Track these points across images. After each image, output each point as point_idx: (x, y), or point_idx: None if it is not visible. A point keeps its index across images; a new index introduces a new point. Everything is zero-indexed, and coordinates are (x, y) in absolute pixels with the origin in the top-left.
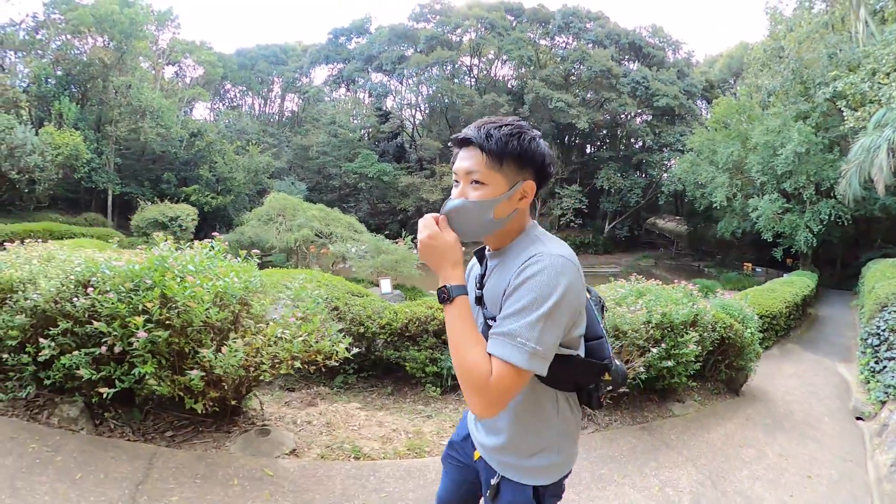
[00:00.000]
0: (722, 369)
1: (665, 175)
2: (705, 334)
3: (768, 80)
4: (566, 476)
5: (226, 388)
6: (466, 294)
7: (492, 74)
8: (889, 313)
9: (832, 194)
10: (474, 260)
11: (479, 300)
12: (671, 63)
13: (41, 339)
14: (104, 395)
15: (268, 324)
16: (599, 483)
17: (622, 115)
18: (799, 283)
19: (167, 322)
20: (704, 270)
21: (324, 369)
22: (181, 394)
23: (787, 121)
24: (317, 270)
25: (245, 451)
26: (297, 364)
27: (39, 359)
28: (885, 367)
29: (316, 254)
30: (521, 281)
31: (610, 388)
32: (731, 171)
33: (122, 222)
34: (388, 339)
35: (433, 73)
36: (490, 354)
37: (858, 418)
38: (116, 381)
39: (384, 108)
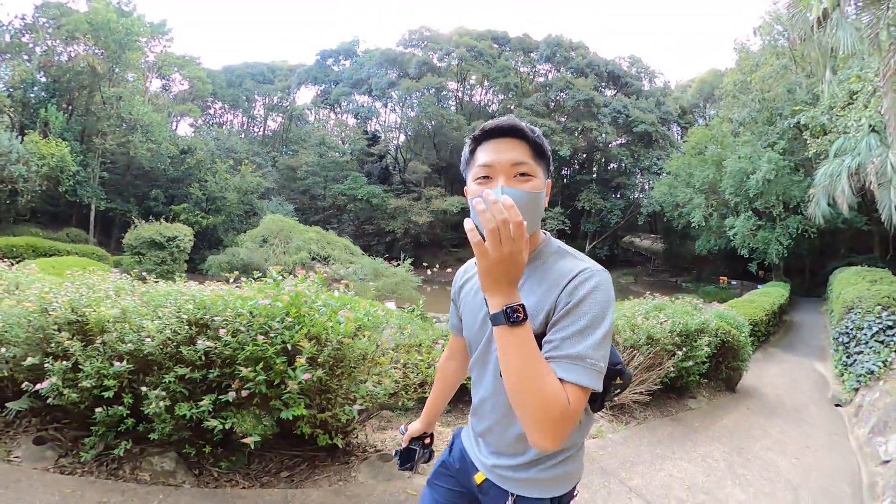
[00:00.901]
0: (723, 369)
1: (643, 196)
2: (711, 339)
3: (738, 112)
4: (577, 484)
5: (356, 420)
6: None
7: (475, 100)
8: (855, 314)
9: (799, 211)
10: (472, 272)
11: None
12: (648, 92)
13: (144, 388)
14: (203, 444)
15: (384, 352)
16: (659, 460)
17: (602, 141)
18: (774, 293)
19: (318, 360)
20: (682, 285)
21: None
22: (318, 431)
23: (757, 148)
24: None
25: (377, 479)
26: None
27: (145, 410)
28: (855, 360)
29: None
30: (578, 299)
31: (619, 390)
32: (706, 192)
33: (102, 239)
34: None
35: (423, 99)
36: (562, 380)
37: (837, 405)
38: (214, 428)
39: (369, 130)
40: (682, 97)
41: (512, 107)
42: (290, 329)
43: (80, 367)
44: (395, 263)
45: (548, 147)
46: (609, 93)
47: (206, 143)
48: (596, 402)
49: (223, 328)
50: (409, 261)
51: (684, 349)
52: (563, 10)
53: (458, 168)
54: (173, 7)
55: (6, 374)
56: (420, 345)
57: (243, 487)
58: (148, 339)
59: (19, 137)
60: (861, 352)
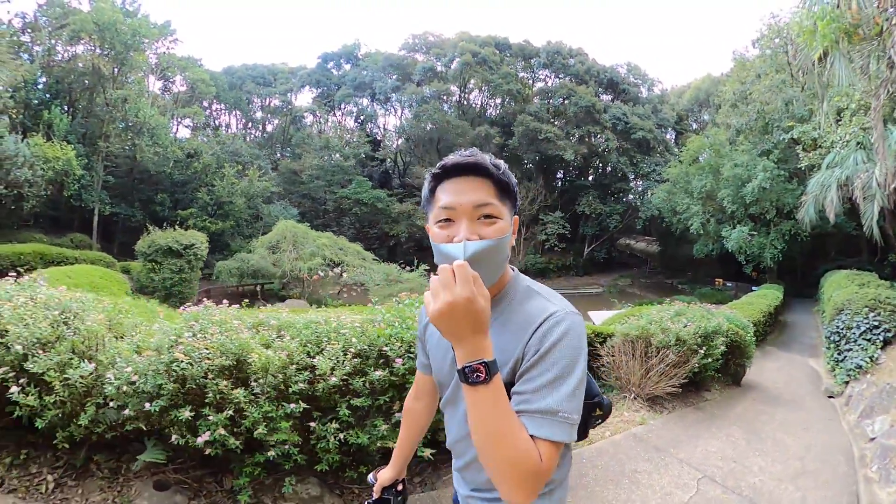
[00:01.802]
0: (731, 365)
1: (640, 202)
2: (724, 339)
3: (736, 120)
4: None
5: None
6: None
7: (475, 105)
8: (845, 315)
9: (792, 216)
10: None
11: None
12: (646, 99)
13: (313, 424)
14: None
15: None
16: (693, 439)
17: (602, 147)
18: (770, 295)
19: None
20: (678, 287)
21: None
22: None
23: (754, 157)
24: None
25: None
26: None
27: (317, 445)
28: (845, 356)
29: (319, 282)
30: (547, 347)
31: (599, 420)
32: (703, 199)
33: (104, 244)
34: None
35: (429, 105)
36: (533, 437)
37: (830, 396)
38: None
39: (370, 134)
40: (677, 103)
41: (517, 114)
42: None
43: (244, 413)
44: (406, 268)
45: (514, 183)
46: (606, 98)
47: (211, 147)
48: (581, 432)
49: (399, 357)
50: (423, 267)
51: (704, 348)
52: (560, 13)
53: None
54: (172, 7)
55: (142, 426)
56: None
57: None
58: (322, 380)
59: (24, 141)
60: (850, 349)
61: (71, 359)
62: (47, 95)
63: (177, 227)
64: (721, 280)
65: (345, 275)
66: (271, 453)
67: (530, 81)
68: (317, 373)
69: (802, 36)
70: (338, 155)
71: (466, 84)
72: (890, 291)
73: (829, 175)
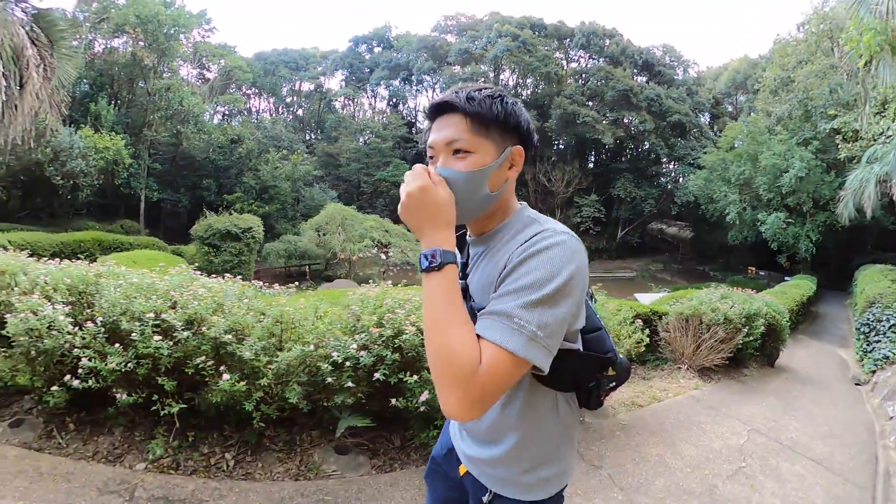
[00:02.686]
0: (767, 347)
1: (676, 186)
2: (763, 321)
3: (777, 108)
4: (564, 488)
5: None
6: (457, 264)
7: (510, 88)
8: (876, 308)
9: (828, 208)
10: None
11: (465, 292)
12: (681, 81)
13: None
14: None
15: None
16: (739, 403)
17: (638, 130)
18: (804, 285)
19: None
20: (710, 273)
21: None
22: None
23: (792, 147)
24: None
25: None
26: None
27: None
28: (873, 347)
29: (359, 262)
30: (525, 257)
31: (614, 384)
32: (741, 187)
33: (151, 230)
34: None
35: None
36: (479, 337)
37: (857, 384)
38: None
39: (403, 116)
40: (714, 86)
41: (553, 97)
42: None
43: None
44: None
45: (497, 110)
46: (640, 79)
47: (253, 133)
48: (591, 396)
49: None
50: None
51: (747, 328)
52: None
53: None
54: None
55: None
56: None
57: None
58: None
59: (77, 133)
60: (879, 340)
61: (276, 343)
62: (89, 88)
63: (229, 211)
64: (754, 269)
65: (392, 256)
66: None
67: (563, 62)
68: None
69: (849, 44)
70: (376, 138)
71: (500, 65)
72: None
73: (869, 170)
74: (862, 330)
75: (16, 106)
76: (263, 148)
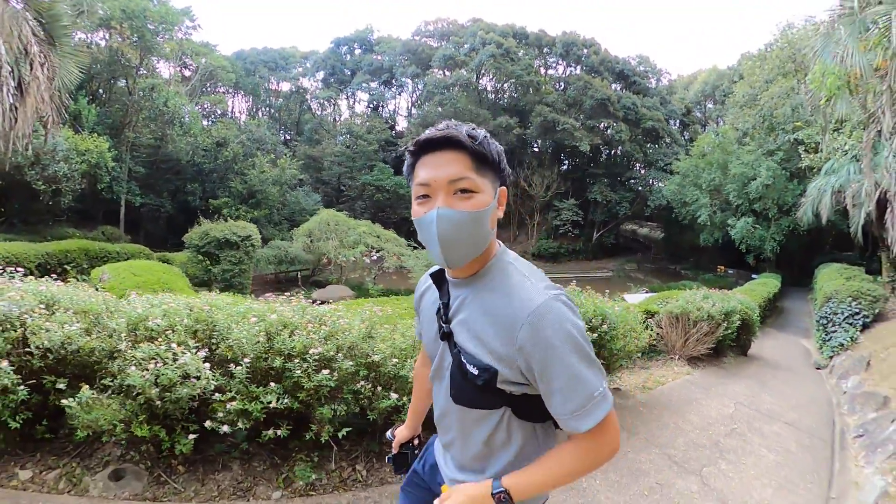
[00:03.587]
0: (742, 338)
1: (650, 190)
2: (738, 316)
3: (743, 122)
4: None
5: None
6: (506, 489)
7: (490, 94)
8: (832, 302)
9: (791, 213)
10: (428, 283)
11: (447, 336)
12: (655, 90)
13: None
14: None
15: None
16: (723, 384)
17: (615, 138)
18: (769, 283)
19: None
20: (681, 272)
21: None
22: None
23: (759, 156)
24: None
25: None
26: None
27: None
28: (831, 336)
29: (348, 267)
30: (542, 360)
31: None
32: (711, 192)
33: (134, 237)
34: None
35: (452, 94)
36: (588, 430)
37: (818, 368)
38: None
39: (382, 119)
40: (685, 95)
41: (534, 105)
42: None
43: None
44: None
45: (495, 151)
46: (616, 87)
47: (237, 135)
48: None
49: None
50: None
51: (725, 322)
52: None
53: None
54: None
55: None
56: None
57: None
58: None
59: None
60: (835, 331)
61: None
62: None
63: (218, 217)
64: (723, 267)
65: (386, 261)
66: None
67: (542, 69)
68: None
69: (814, 83)
70: (361, 141)
71: (481, 72)
72: (871, 285)
73: (826, 181)
74: (821, 322)
75: (16, 107)
76: (249, 151)
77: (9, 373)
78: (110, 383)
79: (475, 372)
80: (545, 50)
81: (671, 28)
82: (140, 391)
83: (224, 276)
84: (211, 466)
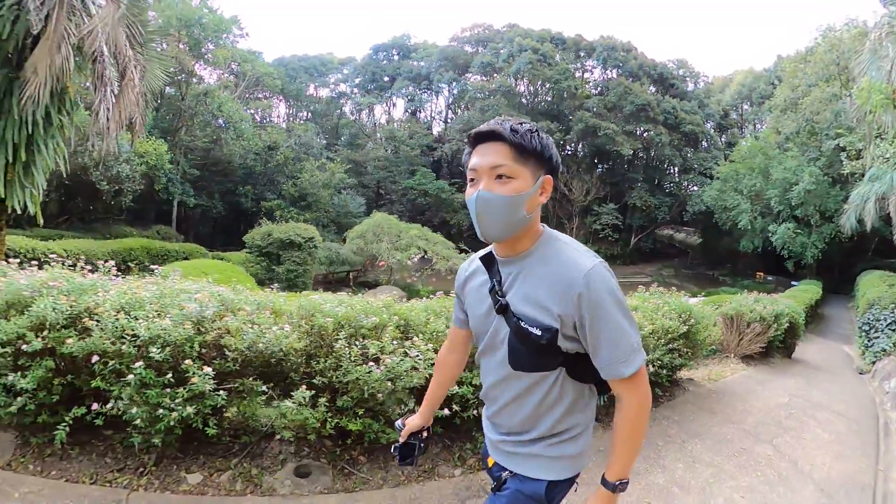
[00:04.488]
0: (787, 341)
1: (688, 195)
2: (787, 318)
3: (786, 126)
4: (578, 475)
5: None
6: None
7: (528, 98)
8: (875, 309)
9: (833, 220)
10: (476, 265)
11: (503, 309)
12: (693, 94)
13: None
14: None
15: None
16: (775, 379)
17: (655, 142)
18: (811, 290)
19: None
20: (719, 279)
21: None
22: None
23: (801, 162)
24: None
25: None
26: None
27: None
28: (873, 342)
29: (391, 268)
30: (597, 309)
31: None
32: (752, 198)
33: (185, 237)
34: None
35: (494, 98)
36: (630, 375)
37: (860, 373)
38: None
39: (424, 124)
40: (721, 98)
41: (575, 110)
42: None
43: None
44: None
45: (537, 145)
46: (652, 89)
47: (287, 140)
48: (605, 385)
49: None
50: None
51: (775, 324)
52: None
53: None
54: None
55: None
56: None
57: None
58: None
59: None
60: (878, 336)
61: None
62: None
63: (271, 219)
64: (762, 273)
65: (436, 263)
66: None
67: (578, 74)
68: None
69: (859, 98)
70: (404, 146)
71: (520, 77)
72: None
73: (870, 188)
74: (863, 328)
75: (108, 111)
76: (298, 156)
77: (210, 378)
78: (317, 382)
79: (538, 333)
80: (581, 54)
81: (703, 29)
82: (371, 387)
83: (288, 275)
84: (384, 452)
